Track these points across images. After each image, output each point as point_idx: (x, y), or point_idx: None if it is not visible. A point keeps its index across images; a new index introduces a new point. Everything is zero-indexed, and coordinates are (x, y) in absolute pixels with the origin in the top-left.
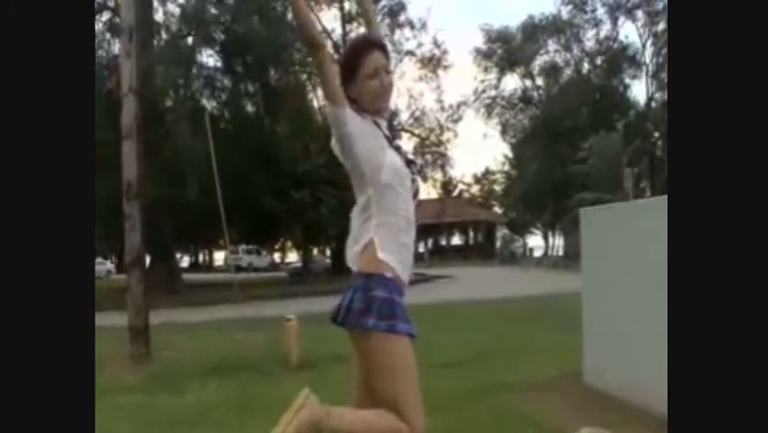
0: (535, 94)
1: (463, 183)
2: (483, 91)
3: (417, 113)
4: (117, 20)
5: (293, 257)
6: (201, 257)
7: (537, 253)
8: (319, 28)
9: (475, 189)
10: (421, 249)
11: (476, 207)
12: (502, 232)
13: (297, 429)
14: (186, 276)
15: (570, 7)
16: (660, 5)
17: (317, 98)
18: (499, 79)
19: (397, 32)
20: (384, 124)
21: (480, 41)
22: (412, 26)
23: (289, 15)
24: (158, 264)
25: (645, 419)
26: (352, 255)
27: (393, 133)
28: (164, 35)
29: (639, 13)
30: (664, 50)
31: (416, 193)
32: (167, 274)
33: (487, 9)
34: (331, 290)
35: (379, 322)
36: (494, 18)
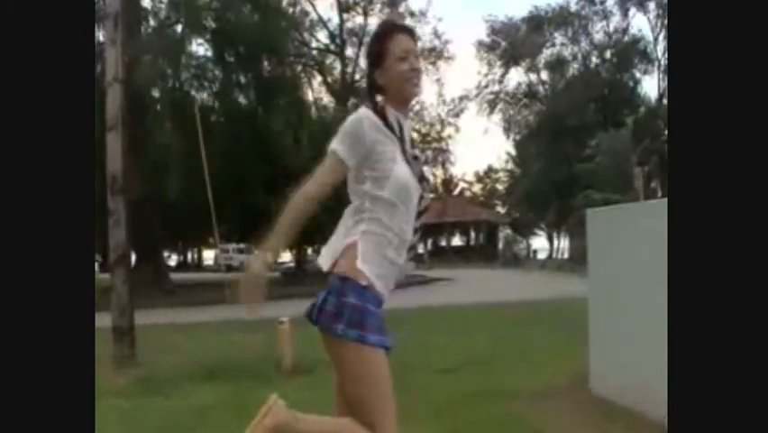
0: (541, 89)
1: (465, 181)
2: (486, 86)
3: (417, 107)
4: (102, 4)
5: (286, 257)
6: (190, 256)
7: (541, 255)
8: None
9: (477, 188)
10: (420, 250)
11: (478, 207)
12: (505, 232)
13: None
14: (174, 275)
15: None
16: None
17: (312, 91)
18: (503, 73)
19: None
20: (407, 124)
21: (483, 33)
22: (412, 15)
23: (284, 2)
24: (144, 263)
25: (653, 427)
26: (328, 253)
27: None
28: (152, 22)
29: (651, 5)
30: None
31: (423, 211)
32: (153, 273)
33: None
34: None
35: (348, 330)
36: (498, 9)
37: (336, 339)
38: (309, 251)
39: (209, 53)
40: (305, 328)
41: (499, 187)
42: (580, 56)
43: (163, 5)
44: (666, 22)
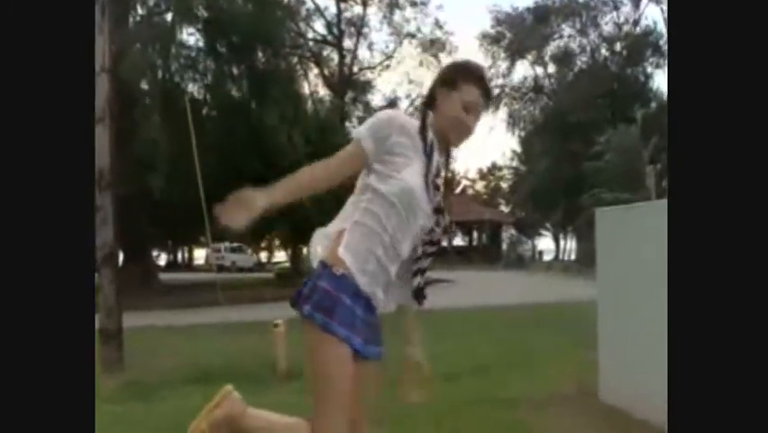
0: (547, 83)
1: (467, 179)
2: (490, 79)
3: (418, 101)
4: None
5: (280, 256)
6: (180, 255)
7: (547, 257)
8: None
9: (480, 186)
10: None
11: (480, 206)
12: (509, 233)
13: (210, 424)
14: (163, 276)
15: None
16: None
17: (309, 84)
18: (508, 67)
19: (397, 12)
20: (437, 157)
21: (487, 24)
22: (413, 5)
23: None
24: (132, 262)
25: None
26: (318, 238)
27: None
28: (140, 10)
29: None
30: None
31: (433, 242)
32: (142, 273)
33: None
34: None
35: (314, 312)
36: None
37: (304, 322)
38: (305, 251)
39: (200, 43)
40: (300, 331)
41: (503, 185)
42: (588, 49)
43: None
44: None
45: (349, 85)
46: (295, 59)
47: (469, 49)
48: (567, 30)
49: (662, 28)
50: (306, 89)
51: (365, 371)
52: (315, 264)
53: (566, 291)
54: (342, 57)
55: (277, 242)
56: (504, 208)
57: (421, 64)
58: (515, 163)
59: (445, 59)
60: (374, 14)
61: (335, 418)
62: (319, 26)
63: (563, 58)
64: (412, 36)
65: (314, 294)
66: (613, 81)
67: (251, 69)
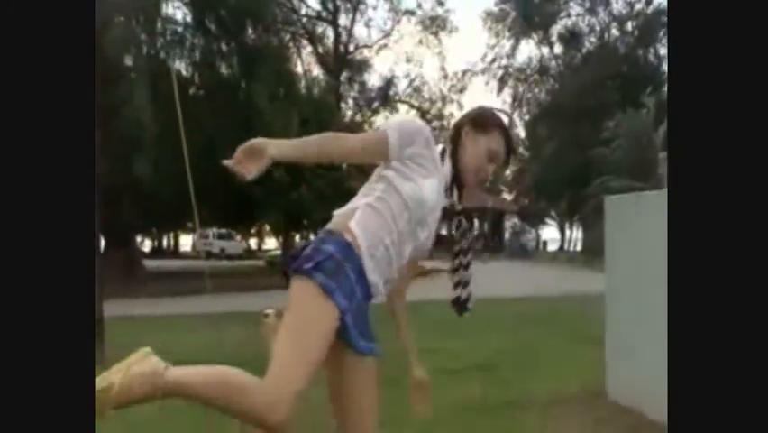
0: (553, 64)
1: None
2: (493, 60)
3: (417, 81)
4: None
5: (271, 244)
6: (165, 241)
7: (552, 247)
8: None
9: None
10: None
11: (482, 193)
12: (512, 221)
13: (122, 380)
14: (148, 262)
15: None
16: None
17: (302, 62)
18: (513, 47)
19: None
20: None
21: (490, 2)
22: None
23: None
24: (114, 249)
25: None
26: (332, 223)
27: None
28: None
29: None
30: None
31: (462, 251)
32: (125, 260)
33: None
34: None
35: (315, 272)
36: None
37: (297, 279)
38: (297, 237)
39: (188, 18)
40: None
41: (506, 171)
42: (597, 28)
43: None
44: None
45: (344, 64)
46: (287, 37)
47: (470, 27)
48: (575, 8)
49: None
50: (299, 68)
51: (363, 367)
52: None
53: (572, 284)
54: (337, 34)
55: (267, 228)
56: (507, 196)
57: (420, 43)
58: (519, 149)
59: (446, 39)
60: None
61: (297, 373)
62: (313, 1)
63: (571, 38)
64: (411, 13)
65: (316, 255)
66: (623, 63)
67: (240, 46)
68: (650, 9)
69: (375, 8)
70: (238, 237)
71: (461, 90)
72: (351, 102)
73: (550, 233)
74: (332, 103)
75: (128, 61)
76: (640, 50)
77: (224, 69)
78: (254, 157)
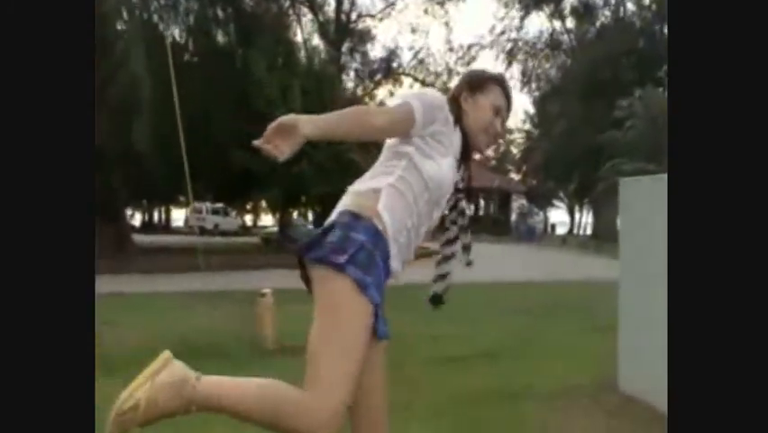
0: (566, 38)
1: None
2: (502, 32)
3: (422, 53)
4: None
5: (267, 220)
6: (156, 216)
7: (561, 231)
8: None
9: (488, 151)
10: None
11: (489, 172)
12: (519, 203)
13: (149, 394)
14: (138, 237)
15: None
16: None
17: (302, 30)
18: (522, 19)
19: None
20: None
21: None
22: None
23: None
24: (103, 223)
25: None
26: (348, 197)
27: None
28: None
29: None
30: None
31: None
32: (114, 235)
33: None
34: None
35: (349, 266)
36: None
37: (330, 274)
38: (295, 214)
39: None
40: (289, 303)
41: (514, 150)
42: (612, 1)
43: None
44: None
45: (347, 33)
46: (287, 4)
47: None
48: None
49: None
50: (298, 37)
51: (377, 350)
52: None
53: (582, 269)
54: (339, 2)
55: (264, 204)
56: (514, 176)
57: (426, 12)
58: (527, 126)
59: (453, 9)
60: None
61: (345, 383)
62: None
63: (584, 11)
64: None
65: (348, 245)
66: (639, 38)
67: (238, 13)
68: None
69: None
70: (233, 213)
71: (468, 63)
72: (352, 74)
73: (558, 216)
74: (333, 74)
75: (120, 27)
76: (657, 24)
77: (220, 37)
78: (285, 135)
